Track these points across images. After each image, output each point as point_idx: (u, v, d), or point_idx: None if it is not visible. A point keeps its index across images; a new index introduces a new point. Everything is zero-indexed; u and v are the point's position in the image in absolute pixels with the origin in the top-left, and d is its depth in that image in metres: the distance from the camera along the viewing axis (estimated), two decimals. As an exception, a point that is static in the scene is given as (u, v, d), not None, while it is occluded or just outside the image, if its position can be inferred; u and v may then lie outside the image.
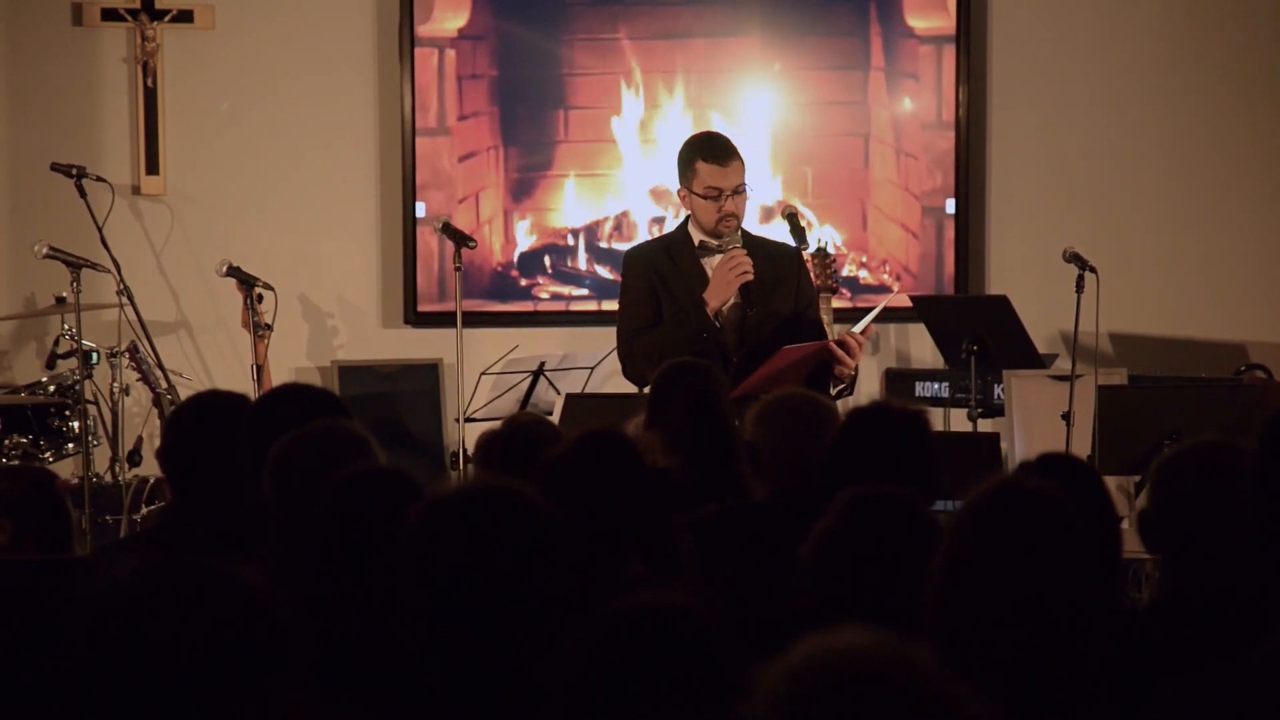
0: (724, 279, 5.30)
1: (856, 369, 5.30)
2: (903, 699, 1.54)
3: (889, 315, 7.49)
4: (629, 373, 5.46)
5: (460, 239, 6.82)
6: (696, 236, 5.45)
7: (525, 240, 8.14)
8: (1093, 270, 6.49)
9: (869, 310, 5.49)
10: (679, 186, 5.47)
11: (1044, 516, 2.47)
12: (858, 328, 5.27)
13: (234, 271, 6.87)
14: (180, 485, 3.81)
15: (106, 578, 1.72)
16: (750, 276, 5.30)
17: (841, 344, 5.17)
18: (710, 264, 5.40)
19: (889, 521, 2.73)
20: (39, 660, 2.31)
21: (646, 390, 5.34)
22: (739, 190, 5.38)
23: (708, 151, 5.39)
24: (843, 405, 5.17)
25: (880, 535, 2.72)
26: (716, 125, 8.00)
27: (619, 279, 8.12)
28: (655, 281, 5.41)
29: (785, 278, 5.42)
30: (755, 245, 5.45)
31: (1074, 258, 6.56)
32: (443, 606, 2.23)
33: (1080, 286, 6.44)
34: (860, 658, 1.56)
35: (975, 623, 2.42)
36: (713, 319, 5.31)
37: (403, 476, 2.86)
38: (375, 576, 2.71)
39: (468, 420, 6.93)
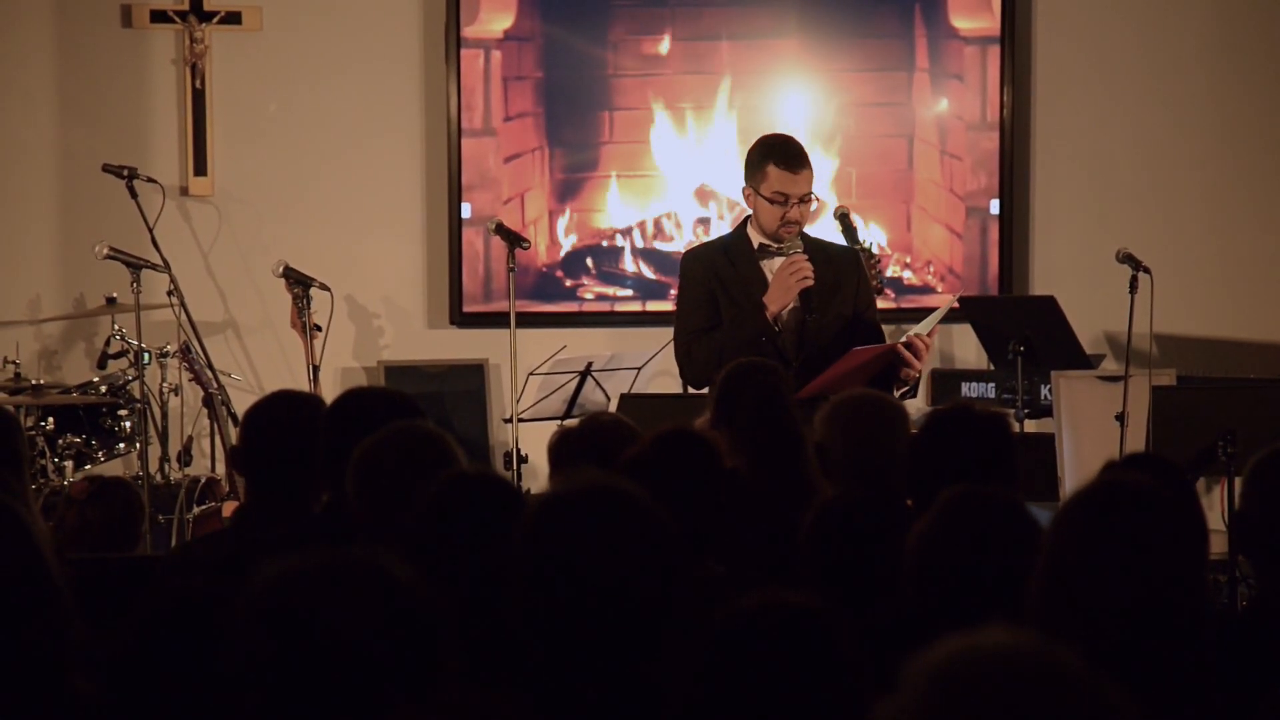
0: (784, 284, 5.25)
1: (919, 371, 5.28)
2: (1055, 699, 1.52)
3: (933, 316, 7.45)
4: (687, 375, 5.40)
5: (514, 240, 6.83)
6: (756, 239, 5.38)
7: (569, 241, 8.15)
8: (1147, 271, 6.47)
9: (918, 311, 5.46)
10: (744, 185, 5.39)
11: (1149, 514, 2.47)
12: (923, 329, 5.23)
13: (290, 272, 6.86)
14: (255, 485, 3.84)
15: (264, 573, 1.74)
16: (811, 282, 5.24)
17: (909, 346, 5.15)
18: (770, 266, 5.34)
19: (991, 521, 2.73)
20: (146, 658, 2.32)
21: (702, 391, 5.36)
22: (806, 199, 5.33)
23: (780, 156, 5.31)
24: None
25: (983, 535, 2.72)
26: (762, 128, 8.03)
27: (663, 279, 8.22)
28: (714, 284, 5.34)
29: (845, 281, 5.37)
30: (815, 248, 5.39)
31: (1127, 258, 6.54)
32: (559, 603, 2.24)
33: (1134, 287, 6.42)
34: (1010, 657, 1.54)
35: (1081, 621, 2.42)
36: (772, 323, 5.28)
37: (501, 481, 2.88)
38: (471, 579, 2.72)
39: (518, 421, 6.95)
